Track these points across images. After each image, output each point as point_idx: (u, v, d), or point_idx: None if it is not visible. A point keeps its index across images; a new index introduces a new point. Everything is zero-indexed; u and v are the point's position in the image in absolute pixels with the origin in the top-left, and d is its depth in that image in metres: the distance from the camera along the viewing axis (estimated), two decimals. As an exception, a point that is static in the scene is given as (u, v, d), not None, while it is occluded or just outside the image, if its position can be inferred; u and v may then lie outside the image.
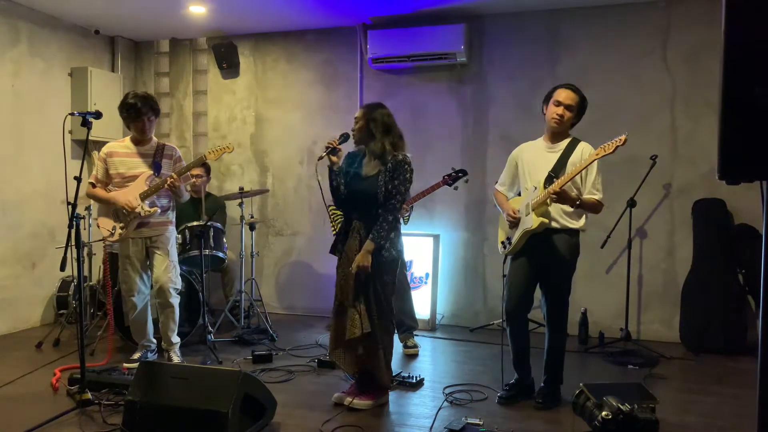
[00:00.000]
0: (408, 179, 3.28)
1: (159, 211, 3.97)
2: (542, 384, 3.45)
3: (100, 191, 3.99)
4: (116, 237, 3.93)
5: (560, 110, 3.30)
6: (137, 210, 3.86)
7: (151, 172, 3.97)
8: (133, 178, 3.94)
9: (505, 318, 3.45)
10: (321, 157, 3.34)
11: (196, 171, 5.17)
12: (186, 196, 4.14)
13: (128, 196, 3.89)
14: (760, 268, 1.57)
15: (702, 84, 4.76)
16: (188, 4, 5.12)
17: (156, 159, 4.00)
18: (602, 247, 4.63)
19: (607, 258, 4.97)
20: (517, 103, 5.21)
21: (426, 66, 5.37)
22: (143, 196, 3.89)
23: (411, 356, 4.44)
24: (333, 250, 3.46)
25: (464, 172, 4.68)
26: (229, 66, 5.97)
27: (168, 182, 3.86)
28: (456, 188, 4.76)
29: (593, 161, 3.12)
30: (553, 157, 3.32)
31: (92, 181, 4.01)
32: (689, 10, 4.78)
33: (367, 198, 3.25)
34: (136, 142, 4.02)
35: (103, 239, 4.06)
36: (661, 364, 4.23)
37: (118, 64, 6.10)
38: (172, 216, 4.12)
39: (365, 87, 5.67)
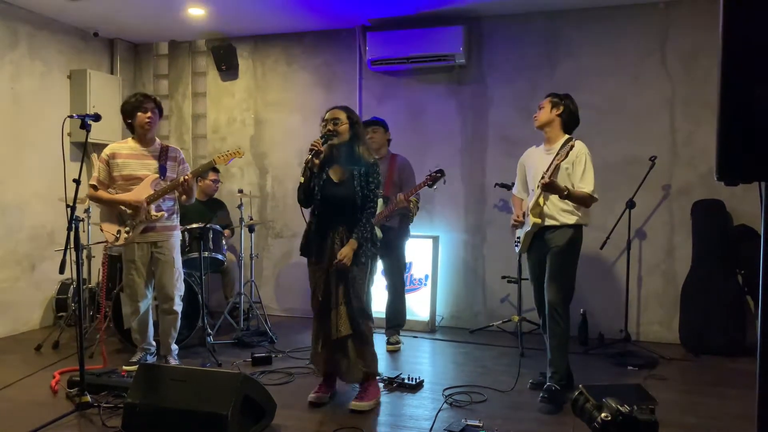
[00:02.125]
0: (379, 183, 3.36)
1: (166, 215, 3.91)
2: (546, 381, 3.45)
3: (103, 193, 3.89)
4: (122, 241, 3.84)
5: (535, 114, 3.56)
6: (144, 209, 3.79)
7: (157, 175, 3.89)
8: (138, 179, 3.86)
9: (537, 311, 3.70)
10: (307, 161, 3.25)
11: (213, 176, 5.22)
12: (193, 199, 4.07)
13: (135, 197, 3.82)
14: (759, 268, 1.57)
15: (701, 85, 4.77)
16: (187, 6, 5.12)
17: (161, 162, 3.93)
18: (601, 248, 4.63)
19: (606, 259, 4.97)
20: (516, 104, 5.22)
21: (425, 68, 5.37)
22: (149, 200, 3.81)
23: (393, 353, 4.54)
24: (305, 253, 3.42)
25: (441, 173, 4.58)
26: (228, 68, 5.98)
27: (182, 180, 3.81)
28: (435, 189, 4.65)
29: (558, 164, 3.22)
30: (549, 159, 3.39)
31: (94, 183, 3.90)
32: (688, 12, 4.79)
33: (346, 202, 3.26)
34: (140, 141, 3.94)
35: (106, 243, 4.01)
36: (660, 365, 4.23)
37: (117, 66, 6.10)
38: (176, 220, 4.06)
39: (364, 89, 5.68)
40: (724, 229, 4.64)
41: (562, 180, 3.31)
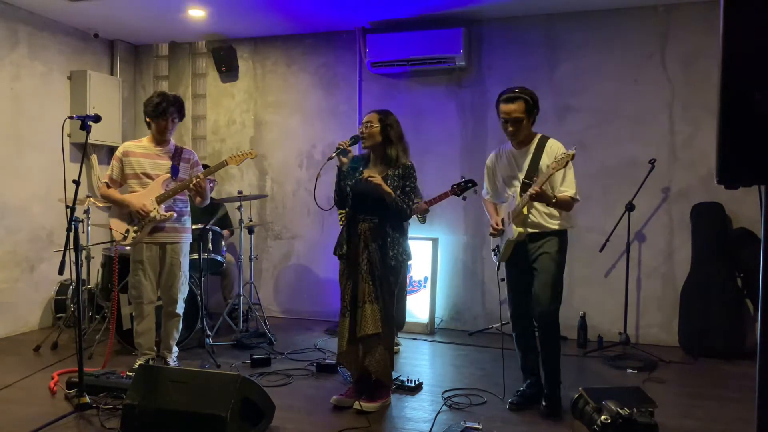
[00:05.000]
0: (415, 187, 3.42)
1: (175, 215, 3.88)
2: (546, 389, 3.40)
3: (114, 192, 3.88)
4: (129, 240, 3.81)
5: (509, 126, 3.28)
6: (152, 214, 3.78)
7: (169, 175, 3.88)
8: (151, 177, 3.85)
9: (512, 324, 3.50)
10: (331, 158, 3.39)
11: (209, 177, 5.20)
12: (208, 200, 4.01)
13: (143, 199, 3.78)
14: (759, 271, 1.57)
15: (700, 88, 4.77)
16: (187, 8, 5.12)
17: (174, 162, 3.93)
18: (601, 251, 4.64)
19: (605, 262, 4.97)
20: (515, 107, 5.21)
21: (425, 70, 5.38)
22: (159, 200, 3.80)
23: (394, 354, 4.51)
24: (336, 251, 3.47)
25: (473, 183, 4.60)
26: (228, 69, 5.98)
27: (194, 182, 3.80)
28: (464, 198, 4.69)
29: (552, 173, 3.09)
30: (525, 161, 3.32)
31: (106, 180, 3.89)
32: (687, 15, 4.80)
33: (374, 199, 3.30)
34: (155, 142, 3.94)
35: (113, 241, 3.98)
36: (659, 368, 4.23)
37: (117, 67, 6.10)
38: (188, 222, 4.03)
39: (364, 91, 5.68)
40: (723, 232, 4.64)
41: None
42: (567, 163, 3.05)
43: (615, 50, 4.97)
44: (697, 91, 4.78)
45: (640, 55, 4.93)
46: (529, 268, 3.35)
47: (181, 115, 3.99)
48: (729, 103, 1.47)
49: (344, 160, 3.38)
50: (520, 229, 3.25)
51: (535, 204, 3.25)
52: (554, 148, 3.27)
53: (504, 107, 3.27)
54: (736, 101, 1.47)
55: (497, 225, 3.40)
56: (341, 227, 3.55)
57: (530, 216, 3.28)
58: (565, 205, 3.24)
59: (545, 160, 3.25)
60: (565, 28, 5.09)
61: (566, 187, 3.23)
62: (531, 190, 3.10)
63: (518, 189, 3.27)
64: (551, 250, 3.29)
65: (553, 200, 3.16)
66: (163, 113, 3.84)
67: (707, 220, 4.67)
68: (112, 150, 6.03)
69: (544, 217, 3.29)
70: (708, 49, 4.72)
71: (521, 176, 3.30)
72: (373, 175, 3.28)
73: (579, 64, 5.06)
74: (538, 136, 3.35)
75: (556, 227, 3.30)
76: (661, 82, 4.89)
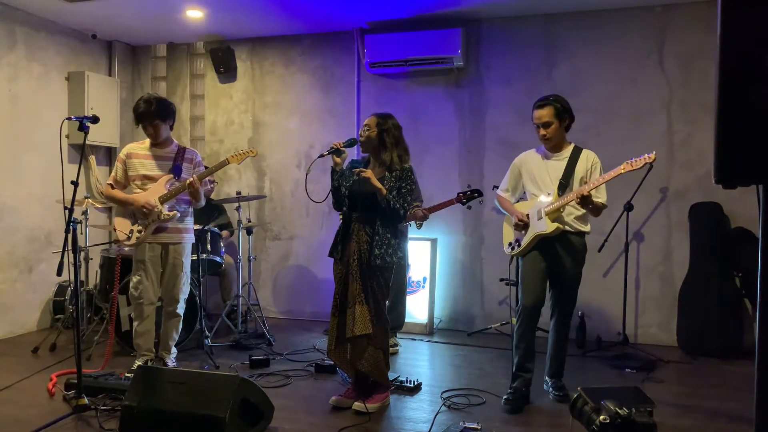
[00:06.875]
0: (412, 189, 3.40)
1: (178, 215, 3.89)
2: (554, 379, 3.60)
3: (118, 192, 3.92)
4: (133, 240, 3.83)
5: (541, 131, 3.47)
6: (156, 211, 3.79)
7: (171, 175, 3.89)
8: (153, 179, 3.87)
9: (522, 314, 3.52)
10: (322, 155, 3.43)
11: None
12: (203, 202, 4.02)
13: (147, 198, 3.81)
14: (757, 271, 1.57)
15: (698, 88, 4.78)
16: (186, 9, 5.12)
17: (176, 162, 3.93)
18: (599, 251, 4.64)
19: (604, 262, 4.97)
20: (514, 107, 5.22)
21: (423, 70, 5.38)
22: (162, 200, 3.81)
23: (391, 355, 4.48)
24: (332, 253, 3.47)
25: (479, 193, 4.68)
26: (226, 70, 5.98)
27: (187, 183, 3.82)
28: (470, 207, 4.79)
29: (618, 174, 3.27)
30: (560, 165, 3.46)
31: (111, 182, 3.94)
32: (685, 14, 4.80)
33: (369, 200, 3.30)
34: (155, 144, 3.96)
35: (117, 241, 3.99)
36: (658, 368, 4.24)
37: (115, 68, 6.10)
38: (190, 223, 4.03)
39: (362, 91, 5.68)
40: (721, 232, 4.64)
41: (575, 188, 3.42)
42: (644, 166, 3.21)
43: (613, 50, 4.98)
44: (695, 91, 4.79)
45: (638, 55, 4.93)
46: (555, 266, 3.48)
47: (164, 116, 3.91)
48: (727, 103, 1.47)
49: (338, 160, 3.41)
50: (558, 225, 3.38)
51: (568, 205, 3.40)
52: (590, 157, 3.48)
53: (535, 113, 3.48)
54: (734, 101, 1.46)
55: (523, 218, 3.50)
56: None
57: (562, 215, 3.44)
58: (597, 210, 3.41)
59: (581, 167, 3.43)
60: (563, 28, 5.10)
61: (600, 194, 3.41)
62: (583, 191, 3.25)
63: (555, 187, 3.42)
64: (577, 253, 3.48)
65: (590, 206, 3.32)
66: (141, 119, 3.87)
67: (705, 220, 4.68)
68: (110, 151, 6.04)
69: (572, 217, 3.45)
70: (705, 49, 4.73)
71: (555, 179, 3.45)
72: (364, 170, 3.28)
73: (577, 64, 5.07)
74: (572, 145, 3.52)
75: (583, 229, 3.49)
76: (659, 81, 4.90)
